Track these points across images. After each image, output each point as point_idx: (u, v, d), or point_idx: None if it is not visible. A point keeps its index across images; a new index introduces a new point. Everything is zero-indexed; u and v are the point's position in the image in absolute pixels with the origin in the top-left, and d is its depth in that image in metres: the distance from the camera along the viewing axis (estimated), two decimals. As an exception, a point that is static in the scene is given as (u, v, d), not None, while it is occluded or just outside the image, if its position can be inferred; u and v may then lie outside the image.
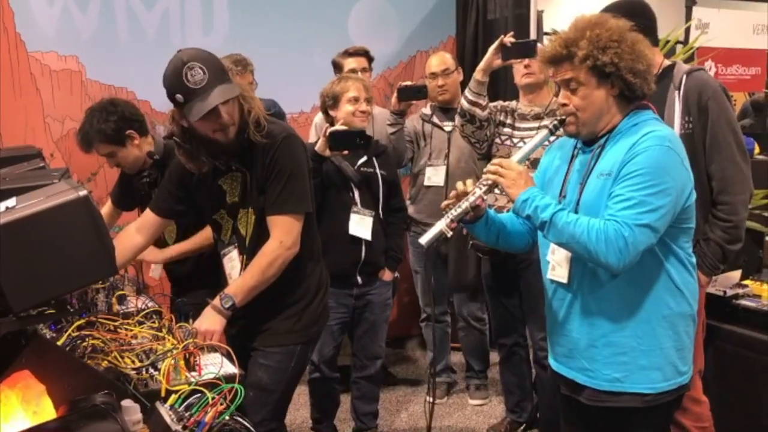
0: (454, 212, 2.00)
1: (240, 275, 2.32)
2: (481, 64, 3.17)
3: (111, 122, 2.76)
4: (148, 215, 2.46)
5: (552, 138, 2.10)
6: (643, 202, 1.82)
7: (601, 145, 1.96)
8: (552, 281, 2.08)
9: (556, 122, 2.00)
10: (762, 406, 2.85)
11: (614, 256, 1.82)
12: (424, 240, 2.00)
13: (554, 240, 1.94)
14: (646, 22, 2.62)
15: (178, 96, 2.14)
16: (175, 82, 2.13)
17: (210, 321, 2.21)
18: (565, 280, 2.02)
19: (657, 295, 1.94)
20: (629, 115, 1.95)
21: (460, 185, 2.02)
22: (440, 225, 1.99)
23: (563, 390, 2.15)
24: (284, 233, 2.26)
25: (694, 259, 2.00)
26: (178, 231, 2.95)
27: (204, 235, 2.80)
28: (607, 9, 2.68)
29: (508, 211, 2.17)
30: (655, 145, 1.84)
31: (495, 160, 2.03)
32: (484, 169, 2.05)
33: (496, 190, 2.09)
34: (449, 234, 1.98)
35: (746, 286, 3.13)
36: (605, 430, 2.06)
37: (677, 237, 1.94)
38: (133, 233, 2.45)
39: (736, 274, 3.20)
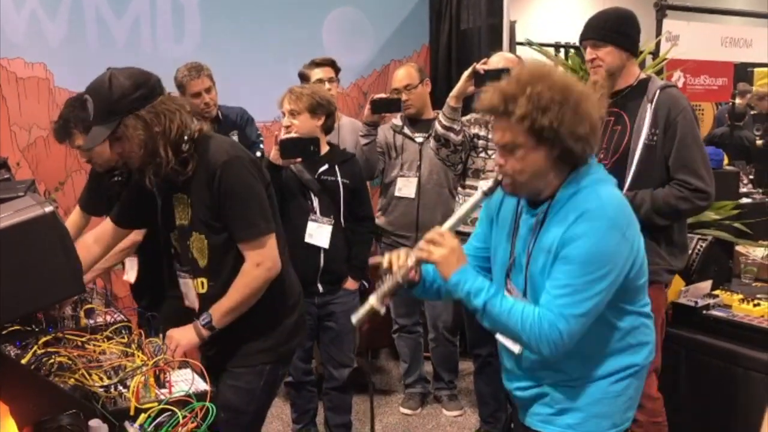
0: (385, 288, 1.86)
1: (196, 298, 2.29)
2: (454, 91, 3.20)
3: None
4: (107, 224, 2.41)
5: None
6: (579, 290, 1.74)
7: (544, 211, 1.83)
8: (502, 344, 1.97)
9: (492, 185, 1.86)
10: (732, 414, 2.89)
11: (547, 347, 1.77)
12: (354, 318, 1.87)
13: (489, 326, 1.86)
14: (633, 34, 2.72)
15: None
16: None
17: (182, 332, 2.18)
18: (516, 351, 1.93)
19: (611, 359, 1.89)
20: (568, 180, 1.81)
21: (392, 259, 1.88)
22: (371, 301, 1.85)
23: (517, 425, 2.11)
24: (258, 255, 2.19)
25: (648, 308, 1.95)
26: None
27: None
28: (596, 17, 2.72)
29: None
30: (593, 230, 1.73)
31: (429, 234, 1.87)
32: (422, 240, 1.88)
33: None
34: (382, 311, 1.86)
35: (717, 296, 3.16)
36: None
37: (627, 298, 1.87)
38: (91, 244, 2.39)
39: (707, 285, 3.23)
